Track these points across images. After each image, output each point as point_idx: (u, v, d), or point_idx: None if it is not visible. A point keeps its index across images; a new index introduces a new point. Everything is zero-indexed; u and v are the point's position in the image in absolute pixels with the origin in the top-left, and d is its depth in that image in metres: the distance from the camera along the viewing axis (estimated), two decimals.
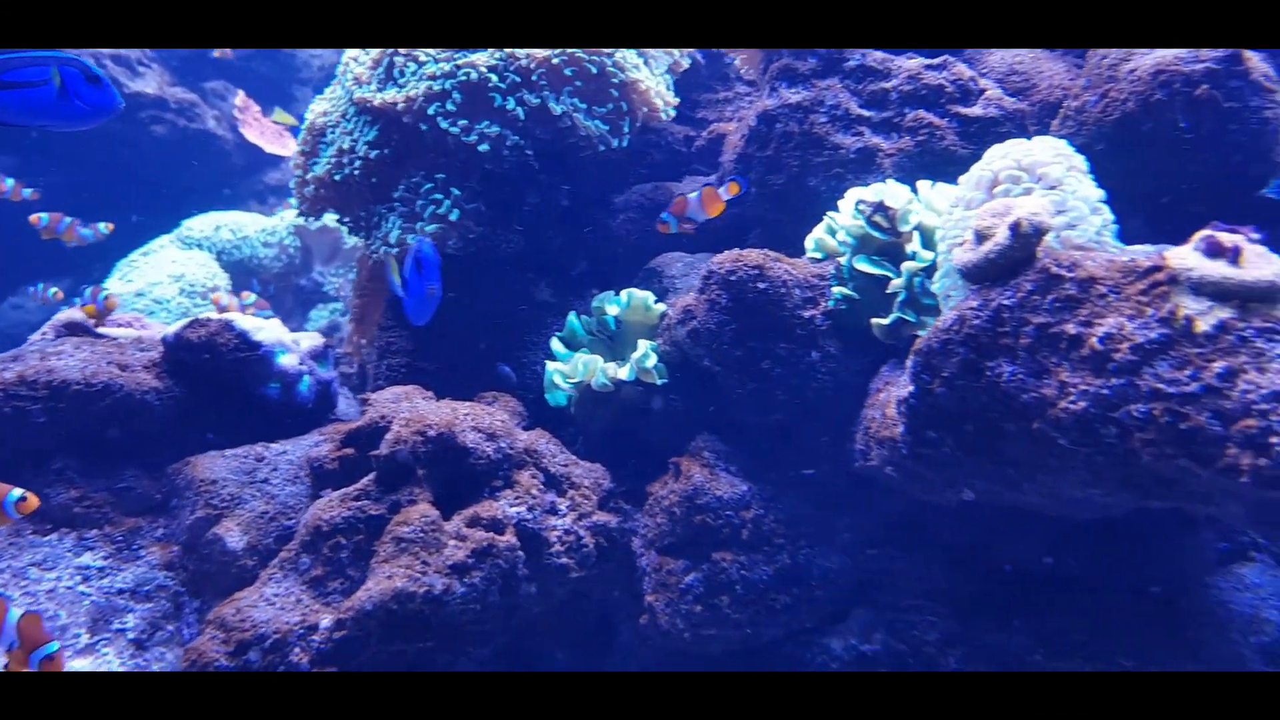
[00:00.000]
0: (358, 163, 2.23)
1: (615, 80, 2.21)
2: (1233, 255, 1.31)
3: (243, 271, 4.78)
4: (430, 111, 2.13)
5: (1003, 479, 1.55)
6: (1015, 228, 1.45)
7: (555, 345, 2.22)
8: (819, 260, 2.07)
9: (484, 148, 2.11)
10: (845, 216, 2.02)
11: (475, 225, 2.17)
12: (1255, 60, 1.79)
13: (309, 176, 2.35)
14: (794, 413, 2.02)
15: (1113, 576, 1.85)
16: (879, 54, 2.24)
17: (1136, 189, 1.88)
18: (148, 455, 2.03)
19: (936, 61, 2.19)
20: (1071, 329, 1.37)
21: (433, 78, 2.14)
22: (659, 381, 2.12)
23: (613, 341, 2.29)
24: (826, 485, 2.03)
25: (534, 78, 2.14)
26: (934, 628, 1.85)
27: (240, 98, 5.47)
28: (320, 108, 2.43)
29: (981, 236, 1.51)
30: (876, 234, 1.95)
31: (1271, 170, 1.81)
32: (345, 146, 2.27)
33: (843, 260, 2.00)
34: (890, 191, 1.96)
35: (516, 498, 1.84)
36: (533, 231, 2.34)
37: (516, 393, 2.21)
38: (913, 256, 1.90)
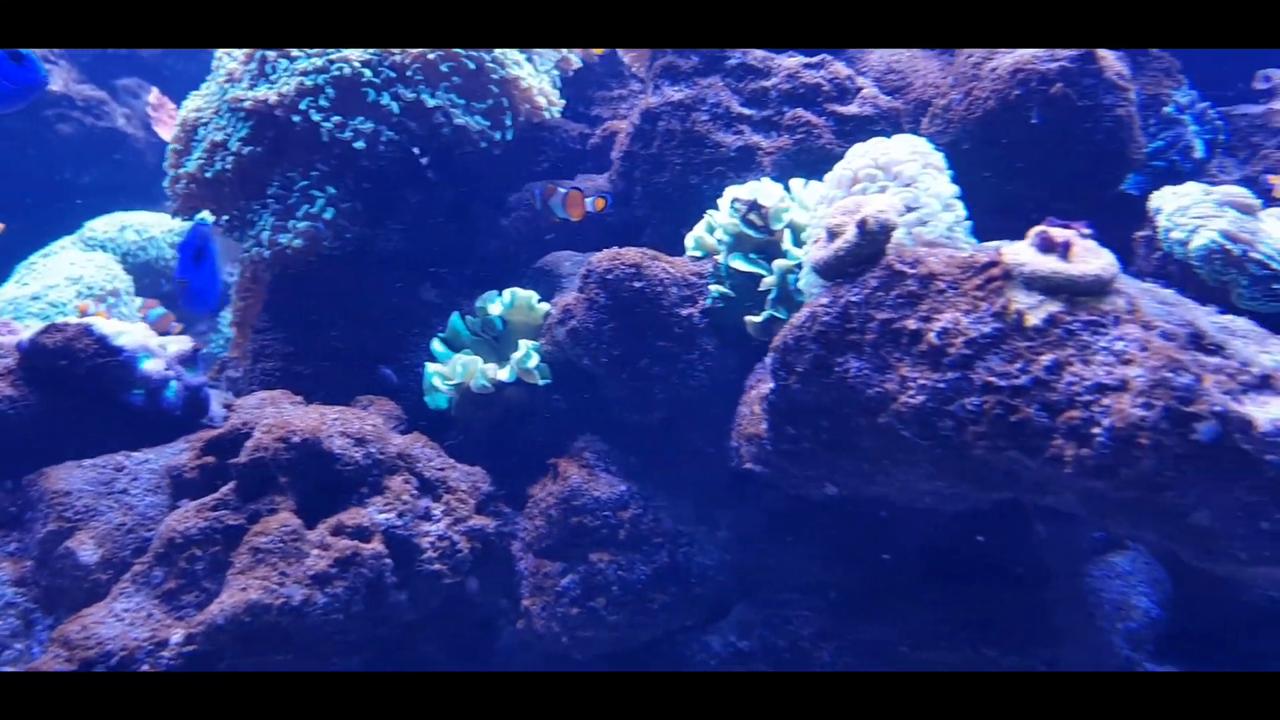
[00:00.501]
0: (229, 159, 2.17)
1: (494, 76, 2.18)
2: (1063, 250, 1.34)
3: (149, 273, 4.62)
4: (303, 107, 2.08)
5: (859, 473, 1.56)
6: (862, 225, 1.46)
7: (436, 346, 2.18)
8: (699, 258, 2.07)
9: (359, 144, 2.06)
10: (723, 215, 2.02)
11: (351, 224, 2.13)
12: (1110, 59, 1.83)
13: (181, 173, 2.27)
14: (675, 411, 2.01)
15: (986, 567, 1.88)
16: (760, 52, 2.24)
17: (1001, 186, 1.92)
18: (2, 467, 1.94)
19: (815, 60, 2.20)
20: (912, 324, 1.38)
21: (305, 73, 2.09)
22: (541, 382, 2.10)
23: (498, 342, 2.26)
24: (708, 482, 2.03)
25: (409, 73, 2.10)
26: (809, 622, 1.86)
27: (154, 95, 5.29)
28: (194, 104, 2.35)
29: (833, 234, 1.51)
30: (751, 232, 1.95)
31: (1127, 166, 1.85)
32: (217, 140, 2.20)
33: (720, 259, 2.01)
34: (764, 190, 1.96)
35: (386, 504, 1.80)
36: (416, 230, 2.30)
37: (398, 396, 2.17)
38: (785, 254, 1.90)
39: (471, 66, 2.14)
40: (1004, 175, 1.88)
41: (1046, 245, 1.34)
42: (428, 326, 2.28)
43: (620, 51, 2.72)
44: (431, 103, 2.08)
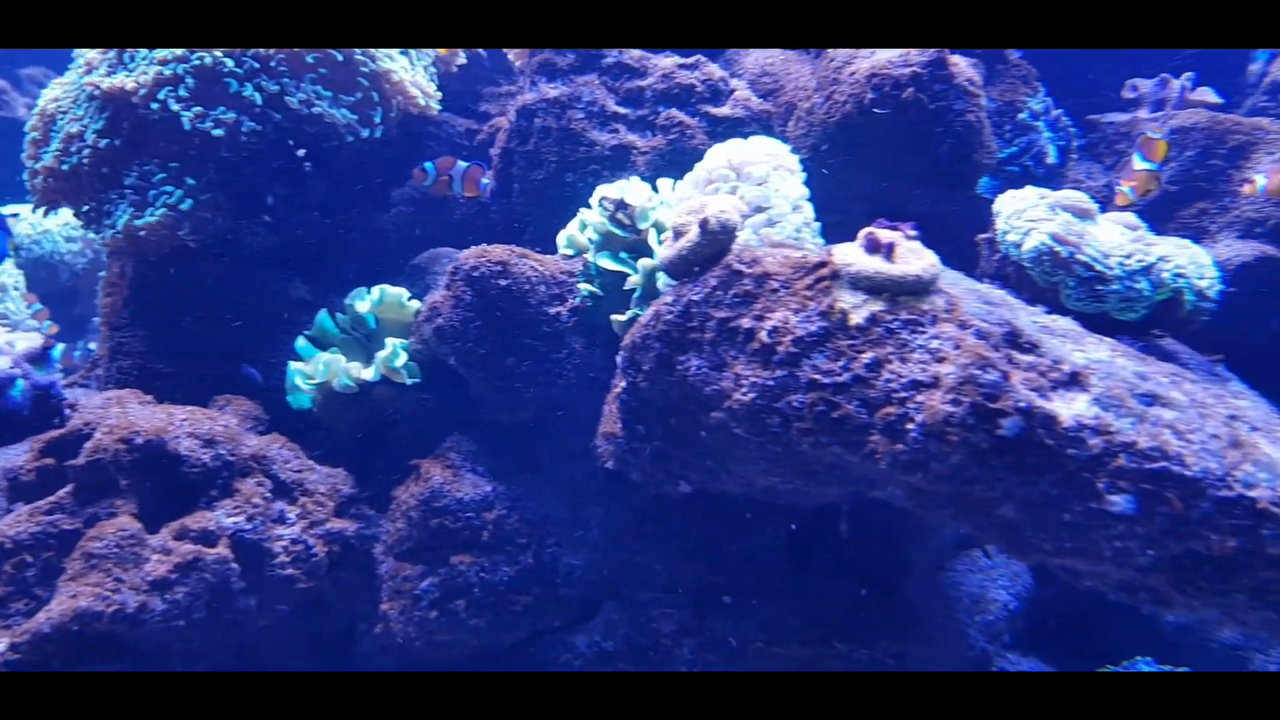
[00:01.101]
0: (86, 151, 2.09)
1: (365, 70, 2.14)
2: (887, 251, 1.36)
3: (44, 268, 4.45)
4: (161, 96, 2.01)
5: (705, 470, 1.57)
6: (704, 225, 1.47)
7: (300, 344, 2.13)
8: (570, 257, 2.06)
9: (219, 133, 2.01)
10: (594, 213, 2.01)
11: (213, 216, 2.06)
12: (961, 65, 1.88)
13: (39, 166, 2.18)
14: (544, 409, 2.00)
15: (843, 562, 1.91)
16: (636, 52, 2.25)
17: (862, 187, 1.95)
18: None
19: (690, 61, 2.21)
20: (747, 323, 1.39)
21: (164, 62, 2.02)
22: (409, 381, 2.07)
23: (369, 340, 2.22)
24: (579, 482, 2.02)
25: (273, 64, 2.05)
26: (671, 620, 1.87)
27: None
28: (53, 93, 2.26)
29: (679, 233, 1.52)
30: (619, 231, 1.95)
31: (978, 169, 1.90)
32: (73, 132, 2.12)
33: (590, 257, 2.00)
34: (632, 189, 1.96)
35: (236, 507, 1.75)
36: (287, 225, 2.25)
37: (263, 395, 2.12)
38: (651, 253, 1.91)
39: (339, 58, 2.10)
40: (863, 176, 1.91)
41: (873, 246, 1.37)
42: (297, 324, 2.23)
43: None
44: (297, 97, 2.03)
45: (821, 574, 1.87)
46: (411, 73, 2.25)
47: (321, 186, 2.29)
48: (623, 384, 1.61)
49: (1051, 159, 2.11)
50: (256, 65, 2.04)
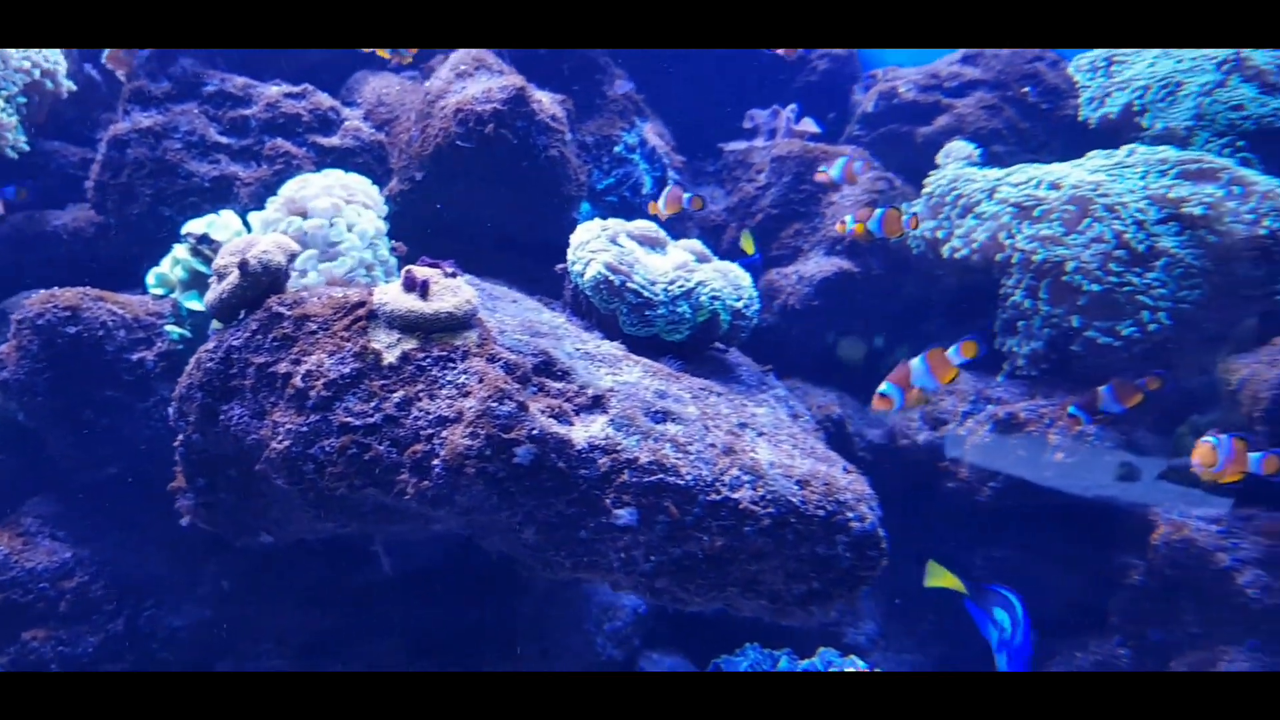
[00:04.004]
0: None
1: None
2: (423, 289, 1.39)
3: None
4: None
5: (272, 521, 1.53)
6: (243, 266, 1.43)
7: None
8: (160, 296, 1.94)
9: None
10: (182, 249, 1.91)
11: None
12: (545, 101, 1.96)
13: None
14: (135, 462, 1.87)
15: (467, 591, 1.94)
16: (240, 79, 2.16)
17: (455, 216, 1.98)
18: None
19: (298, 90, 2.16)
20: (284, 367, 1.37)
21: None
22: None
23: None
24: (190, 537, 1.90)
25: None
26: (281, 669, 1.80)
27: None
28: None
29: (221, 276, 1.47)
30: (205, 269, 1.86)
31: (568, 200, 1.99)
32: None
33: (178, 296, 1.89)
34: (219, 222, 1.88)
35: None
36: None
37: None
38: None
39: None
40: (456, 206, 1.95)
41: (410, 284, 1.39)
42: None
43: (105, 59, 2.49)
44: None
45: (435, 605, 1.87)
46: None
47: None
48: (180, 436, 1.53)
49: (647, 189, 2.26)
50: None
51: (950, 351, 1.65)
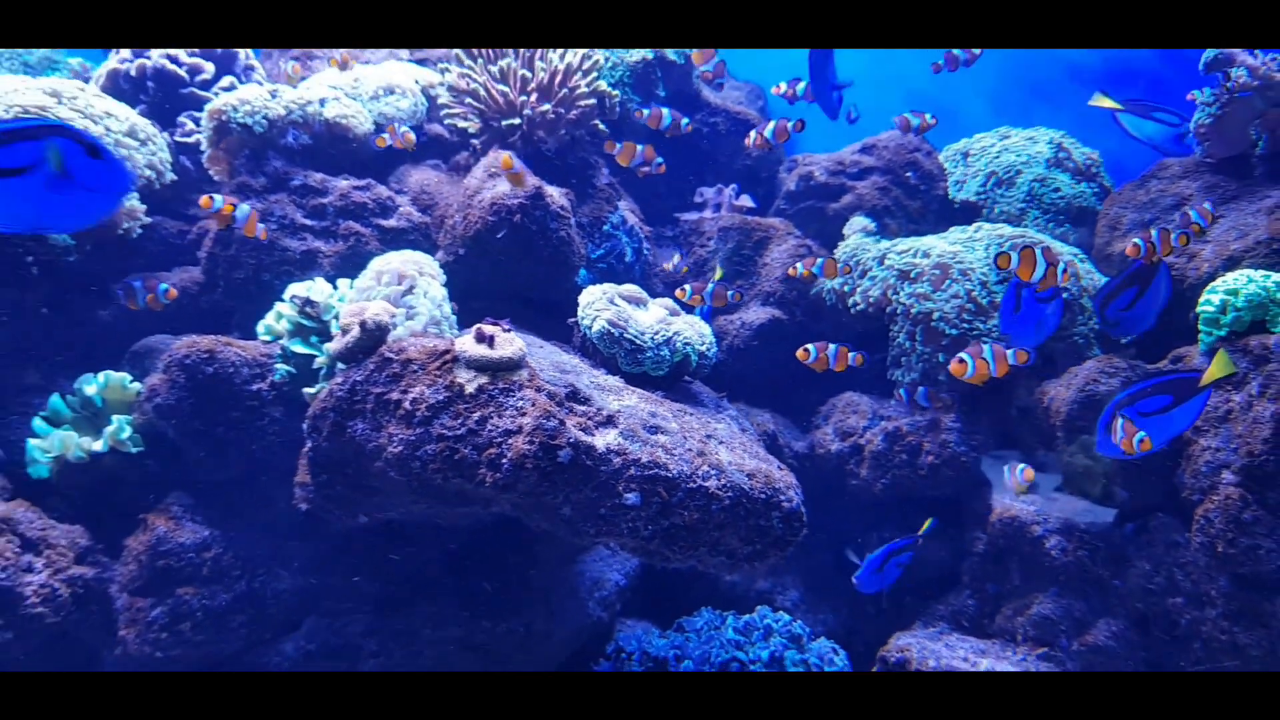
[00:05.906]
0: None
1: None
2: (490, 341, 2.06)
3: None
4: None
5: (376, 504, 2.18)
6: (363, 325, 2.09)
7: (37, 423, 2.47)
8: (269, 342, 2.58)
9: None
10: (286, 307, 2.56)
11: None
12: (555, 195, 2.66)
13: None
14: (251, 467, 2.50)
15: (489, 563, 2.59)
16: (318, 175, 2.82)
17: (491, 284, 2.66)
18: None
19: (362, 183, 2.83)
20: (395, 395, 2.03)
21: None
22: (133, 450, 2.48)
23: (97, 418, 2.59)
24: (282, 523, 2.53)
25: None
26: (359, 622, 2.44)
27: None
28: None
29: (345, 331, 2.13)
30: (306, 322, 2.51)
31: (572, 270, 2.69)
32: None
33: (284, 343, 2.54)
34: (317, 288, 2.53)
35: None
36: (15, 320, 2.57)
37: (5, 469, 2.43)
38: (332, 339, 2.49)
39: None
40: (491, 276, 2.63)
41: (480, 338, 2.06)
42: (31, 407, 2.55)
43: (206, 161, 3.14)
44: None
45: (472, 575, 2.53)
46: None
47: (46, 286, 2.63)
48: (309, 444, 2.18)
49: (628, 258, 2.97)
50: None
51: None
